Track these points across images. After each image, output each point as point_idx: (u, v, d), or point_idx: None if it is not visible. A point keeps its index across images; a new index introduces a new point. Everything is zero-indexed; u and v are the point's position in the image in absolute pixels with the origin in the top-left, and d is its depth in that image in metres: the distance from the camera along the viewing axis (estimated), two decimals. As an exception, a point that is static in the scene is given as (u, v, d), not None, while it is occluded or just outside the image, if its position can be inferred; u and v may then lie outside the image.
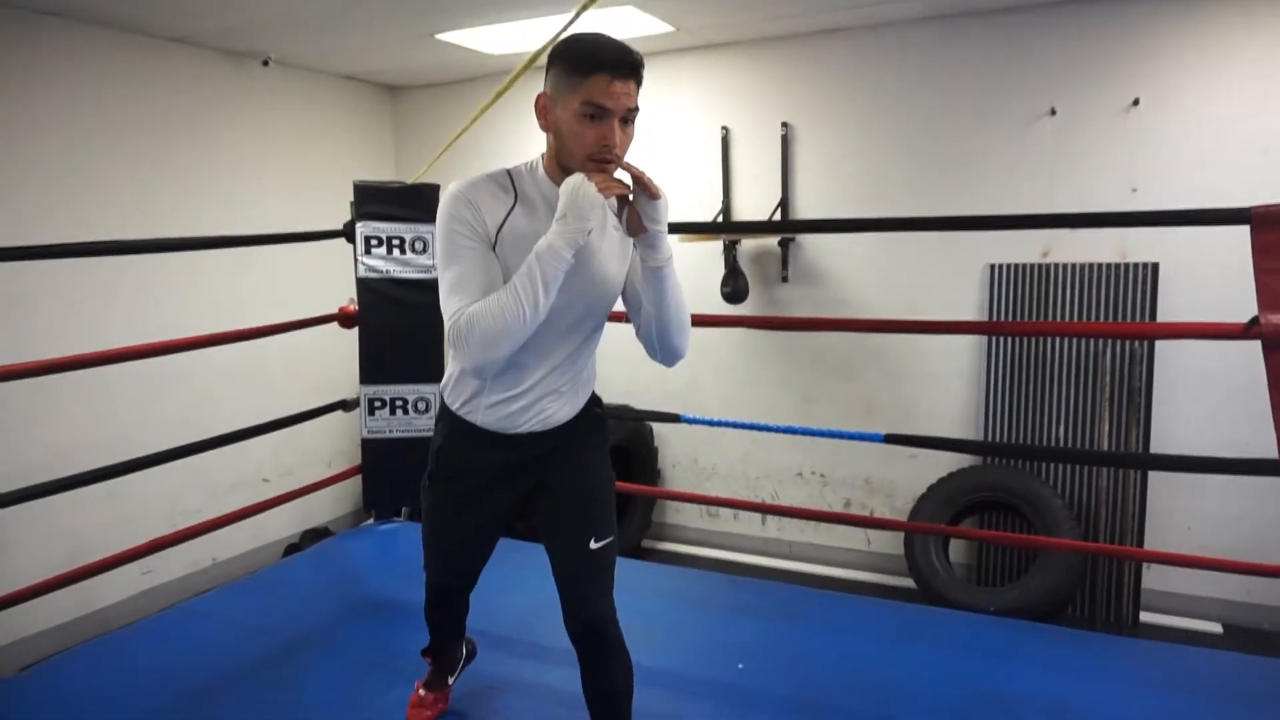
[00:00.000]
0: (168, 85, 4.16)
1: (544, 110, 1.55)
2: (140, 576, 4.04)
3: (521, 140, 4.39)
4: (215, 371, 4.26)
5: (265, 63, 4.45)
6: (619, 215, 1.62)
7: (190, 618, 2.76)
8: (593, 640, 1.61)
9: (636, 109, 1.51)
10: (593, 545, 1.64)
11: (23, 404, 3.59)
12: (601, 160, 1.50)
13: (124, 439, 3.66)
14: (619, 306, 1.74)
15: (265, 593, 2.94)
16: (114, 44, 3.91)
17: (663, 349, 1.69)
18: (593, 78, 1.45)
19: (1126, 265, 3.80)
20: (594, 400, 1.81)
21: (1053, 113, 3.86)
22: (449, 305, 1.53)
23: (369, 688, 2.20)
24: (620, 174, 1.54)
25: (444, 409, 1.77)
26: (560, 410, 1.70)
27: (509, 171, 1.61)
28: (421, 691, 2.06)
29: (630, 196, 1.54)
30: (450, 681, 2.10)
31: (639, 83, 1.51)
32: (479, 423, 1.69)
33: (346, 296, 3.18)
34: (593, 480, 1.74)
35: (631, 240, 1.62)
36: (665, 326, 1.64)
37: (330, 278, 4.00)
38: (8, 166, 3.57)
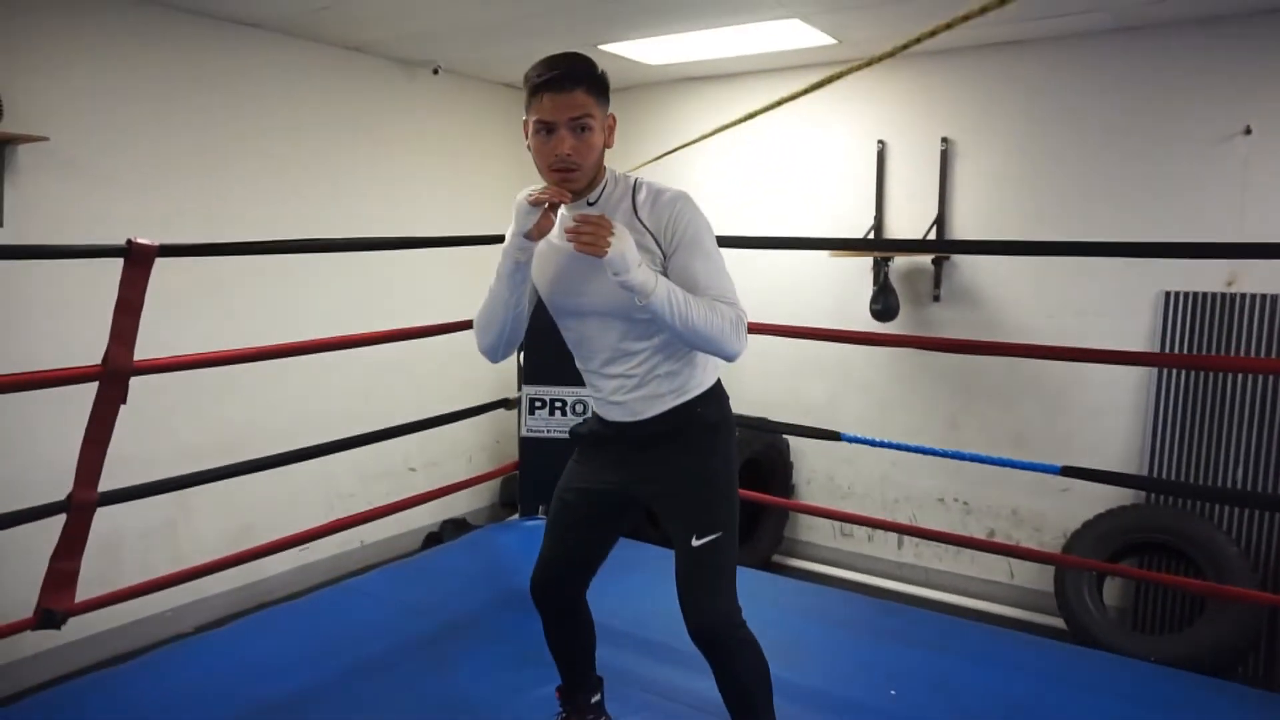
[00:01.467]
0: (346, 92, 4.42)
1: (526, 134, 1.66)
2: (299, 553, 4.29)
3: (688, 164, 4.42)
4: (374, 366, 4.48)
5: (435, 71, 4.65)
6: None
7: (351, 595, 2.92)
8: (706, 644, 1.64)
9: (589, 115, 1.59)
10: (694, 543, 1.66)
11: (208, 388, 3.88)
12: (559, 171, 1.61)
13: (290, 425, 3.92)
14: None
15: (420, 577, 3.08)
16: (302, 52, 4.18)
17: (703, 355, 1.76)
18: (536, 98, 1.59)
19: (1324, 299, 3.51)
20: (702, 402, 1.78)
21: (1248, 131, 3.61)
22: None
23: (525, 679, 2.27)
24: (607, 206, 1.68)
25: None
26: (640, 404, 1.75)
27: None
28: None
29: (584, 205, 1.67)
30: None
31: (591, 88, 1.59)
32: (594, 409, 1.88)
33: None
34: (688, 480, 1.74)
35: (659, 256, 1.66)
36: (688, 345, 1.69)
37: (482, 282, 4.14)
38: (210, 167, 3.87)
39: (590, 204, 1.68)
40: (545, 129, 1.59)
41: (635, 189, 1.69)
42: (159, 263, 2.01)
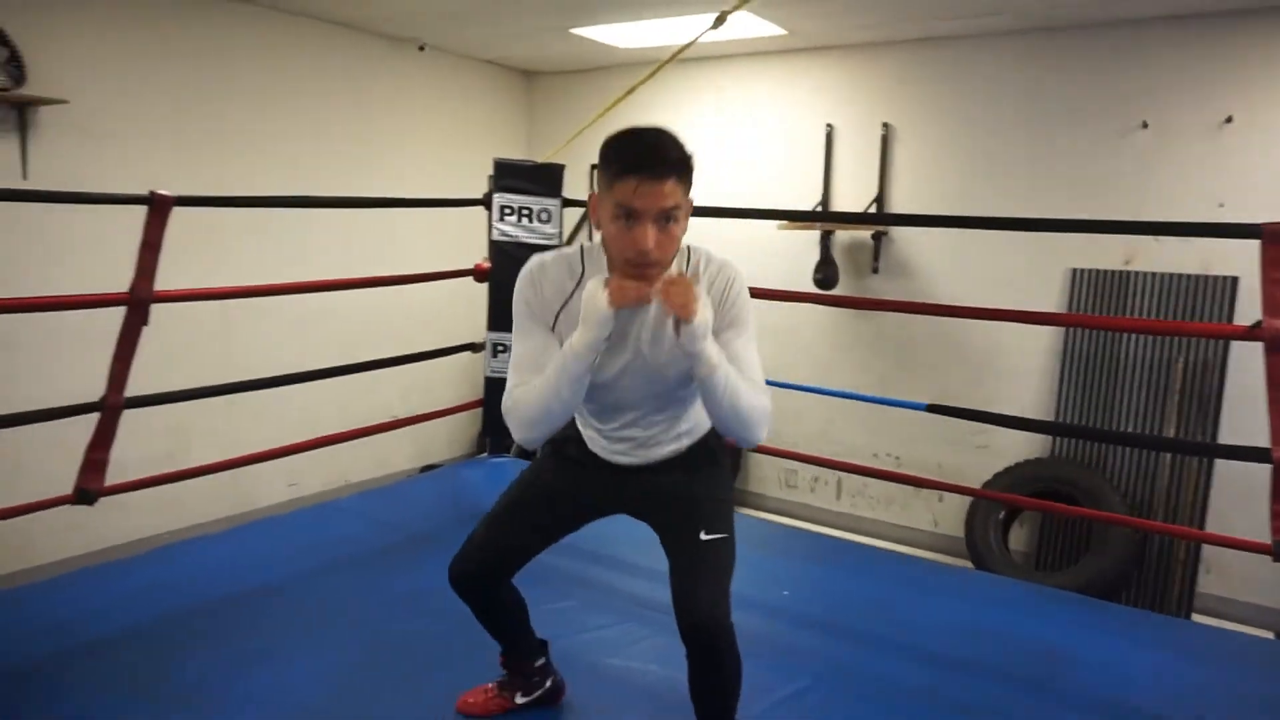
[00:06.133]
0: (336, 66, 4.78)
1: (594, 208, 1.56)
2: (286, 487, 4.70)
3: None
4: (359, 316, 4.88)
5: (421, 48, 5.01)
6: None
7: (330, 511, 3.34)
8: (702, 641, 1.56)
9: (677, 206, 1.48)
10: (703, 536, 1.62)
11: (204, 325, 4.27)
12: (637, 266, 1.49)
13: (281, 363, 4.30)
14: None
15: (393, 500, 3.50)
16: (296, 27, 4.55)
17: (727, 435, 1.67)
18: (622, 180, 1.44)
19: (1207, 277, 3.93)
20: (712, 433, 1.78)
21: (1145, 126, 4.02)
22: (509, 378, 1.64)
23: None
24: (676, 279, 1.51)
25: None
26: (655, 449, 1.72)
27: (582, 248, 1.65)
28: (489, 686, 1.97)
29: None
30: (519, 700, 1.95)
31: (682, 178, 1.48)
32: (586, 441, 1.77)
33: (472, 261, 3.66)
34: (698, 485, 1.73)
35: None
36: (721, 424, 1.61)
37: (458, 242, 4.53)
38: (209, 134, 4.25)
39: None
40: (627, 215, 1.46)
41: (688, 255, 1.62)
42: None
